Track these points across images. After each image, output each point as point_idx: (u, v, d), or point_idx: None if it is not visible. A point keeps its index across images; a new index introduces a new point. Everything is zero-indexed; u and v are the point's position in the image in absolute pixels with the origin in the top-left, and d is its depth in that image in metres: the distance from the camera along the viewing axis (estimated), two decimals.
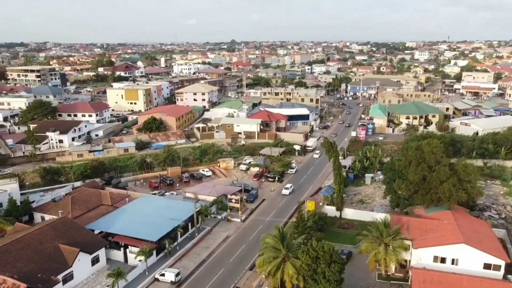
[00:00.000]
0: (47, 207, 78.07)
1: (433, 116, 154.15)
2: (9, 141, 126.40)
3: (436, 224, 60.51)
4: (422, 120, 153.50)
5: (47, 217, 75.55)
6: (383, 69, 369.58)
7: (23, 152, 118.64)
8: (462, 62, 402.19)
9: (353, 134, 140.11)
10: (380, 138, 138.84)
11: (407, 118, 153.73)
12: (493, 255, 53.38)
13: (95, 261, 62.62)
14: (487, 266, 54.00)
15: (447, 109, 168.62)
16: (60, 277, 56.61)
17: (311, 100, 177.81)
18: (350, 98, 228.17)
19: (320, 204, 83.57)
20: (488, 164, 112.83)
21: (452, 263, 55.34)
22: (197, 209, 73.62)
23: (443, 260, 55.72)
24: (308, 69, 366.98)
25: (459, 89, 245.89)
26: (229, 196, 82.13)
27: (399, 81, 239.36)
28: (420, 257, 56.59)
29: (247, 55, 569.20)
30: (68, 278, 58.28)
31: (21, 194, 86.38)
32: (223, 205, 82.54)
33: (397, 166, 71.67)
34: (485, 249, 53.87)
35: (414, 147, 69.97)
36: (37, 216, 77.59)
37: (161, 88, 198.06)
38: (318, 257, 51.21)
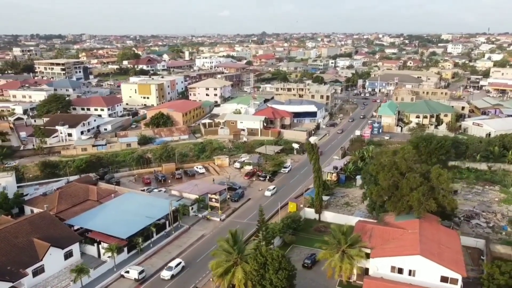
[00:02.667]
0: (36, 201, 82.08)
1: (445, 116, 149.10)
2: (22, 134, 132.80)
3: (400, 233, 59.33)
4: (433, 120, 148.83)
5: (36, 210, 79.30)
6: (410, 63, 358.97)
7: (33, 145, 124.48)
8: (497, 56, 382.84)
9: (357, 133, 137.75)
10: (386, 138, 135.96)
11: (417, 117, 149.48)
12: (450, 269, 51.95)
13: (68, 255, 65.44)
14: (444, 279, 52.67)
15: (463, 108, 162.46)
16: (29, 270, 59.75)
17: (322, 96, 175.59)
18: (368, 94, 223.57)
19: (301, 206, 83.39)
20: (493, 168, 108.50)
21: (410, 274, 54.30)
22: (174, 208, 75.24)
23: (400, 271, 54.74)
24: (332, 63, 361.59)
25: (486, 85, 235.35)
26: (209, 196, 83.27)
27: (420, 77, 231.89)
28: (378, 266, 55.80)
29: (275, 47, 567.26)
30: (39, 271, 61.37)
31: (19, 187, 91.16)
32: (204, 204, 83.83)
33: (371, 171, 70.38)
34: (442, 262, 52.46)
35: (391, 152, 68.36)
36: (27, 209, 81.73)
37: (175, 82, 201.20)
38: (267, 263, 51.69)
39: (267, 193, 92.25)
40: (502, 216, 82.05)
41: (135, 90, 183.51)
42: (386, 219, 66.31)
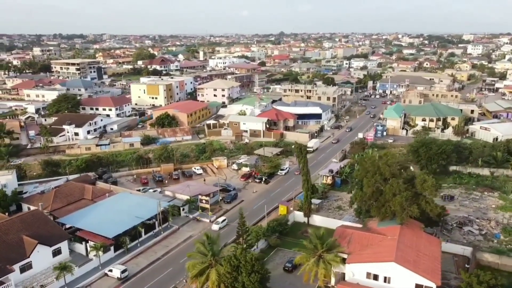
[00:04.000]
0: (33, 199, 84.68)
1: (452, 119, 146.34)
2: (31, 133, 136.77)
3: (379, 239, 58.99)
4: (440, 123, 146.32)
5: (32, 208, 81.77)
6: (426, 64, 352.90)
7: (40, 144, 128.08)
8: None
9: (360, 135, 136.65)
10: (390, 141, 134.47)
11: (423, 120, 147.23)
12: (424, 277, 51.44)
13: (56, 253, 67.41)
14: (418, 287, 52.15)
15: (472, 111, 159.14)
16: (16, 266, 61.85)
17: (328, 98, 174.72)
18: (378, 96, 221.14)
19: (291, 209, 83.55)
20: (495, 174, 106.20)
21: (385, 281, 54.04)
22: (162, 208, 76.50)
23: (376, 277, 54.52)
24: (347, 63, 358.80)
25: (501, 88, 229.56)
26: (199, 197, 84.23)
27: (432, 79, 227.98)
28: (353, 272, 55.70)
29: (291, 48, 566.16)
30: (26, 268, 63.50)
31: (20, 184, 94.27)
32: (195, 205, 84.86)
33: (355, 176, 70.02)
34: (417, 270, 52.00)
35: (376, 157, 67.93)
36: (25, 207, 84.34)
37: (184, 83, 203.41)
38: (240, 266, 52.24)
39: (215, 227, 78.00)
40: (497, 223, 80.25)
41: (144, 90, 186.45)
42: (370, 224, 65.99)
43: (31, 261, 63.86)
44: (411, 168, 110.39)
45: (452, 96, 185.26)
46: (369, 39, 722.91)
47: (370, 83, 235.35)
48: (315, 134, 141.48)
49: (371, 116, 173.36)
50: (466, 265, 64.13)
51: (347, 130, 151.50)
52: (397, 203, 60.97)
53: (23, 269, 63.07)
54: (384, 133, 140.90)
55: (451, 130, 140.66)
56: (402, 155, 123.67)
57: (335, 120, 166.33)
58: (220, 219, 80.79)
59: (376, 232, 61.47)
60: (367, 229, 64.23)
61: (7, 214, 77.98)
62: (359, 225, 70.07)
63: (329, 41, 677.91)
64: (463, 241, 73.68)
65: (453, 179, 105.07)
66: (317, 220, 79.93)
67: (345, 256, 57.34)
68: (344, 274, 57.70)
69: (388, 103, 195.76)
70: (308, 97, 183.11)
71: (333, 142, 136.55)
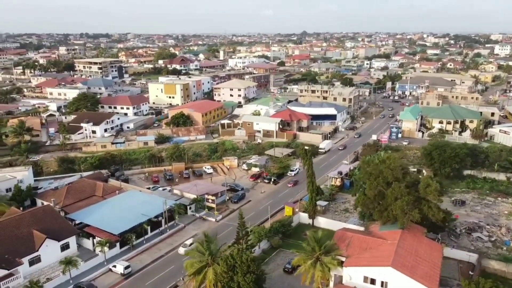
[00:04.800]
0: (46, 194, 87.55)
1: (471, 122, 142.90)
2: (51, 130, 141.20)
3: (378, 243, 58.53)
4: (458, 126, 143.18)
5: (45, 203, 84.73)
6: (450, 65, 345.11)
7: (59, 141, 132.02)
8: None
9: (374, 137, 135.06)
10: (405, 143, 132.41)
11: (440, 122, 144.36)
12: (421, 283, 50.78)
13: (64, 247, 69.66)
14: None
15: (492, 113, 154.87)
16: (26, 259, 64.36)
17: (344, 99, 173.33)
18: (397, 98, 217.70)
19: (297, 210, 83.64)
20: None
21: (382, 286, 53.60)
22: (169, 207, 77.87)
23: (373, 282, 54.18)
24: (367, 63, 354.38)
25: None
26: (206, 196, 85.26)
27: (453, 80, 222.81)
28: (351, 275, 55.49)
29: (312, 47, 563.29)
30: (35, 261, 66.00)
31: (36, 180, 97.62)
32: (202, 204, 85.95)
33: (358, 179, 69.53)
34: (414, 275, 51.41)
35: (378, 161, 67.34)
36: (39, 202, 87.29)
37: (201, 83, 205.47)
38: (236, 266, 52.86)
39: (181, 251, 70.17)
40: (508, 230, 78.26)
41: (161, 89, 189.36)
42: (372, 228, 65.49)
43: (39, 255, 66.26)
44: (424, 171, 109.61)
45: (472, 98, 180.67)
46: (393, 39, 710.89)
47: (388, 84, 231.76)
48: (329, 135, 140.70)
49: (390, 115, 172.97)
50: (470, 272, 62.89)
51: (355, 136, 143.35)
52: (397, 207, 60.33)
53: (32, 262, 65.51)
54: (399, 135, 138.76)
55: (469, 133, 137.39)
56: (416, 158, 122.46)
57: (351, 121, 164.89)
58: (189, 241, 71.41)
59: (377, 236, 60.98)
60: (368, 232, 63.78)
61: (21, 208, 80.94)
62: (363, 229, 69.60)
63: (352, 41, 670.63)
64: (470, 247, 72.26)
65: (466, 184, 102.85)
66: (322, 222, 79.80)
67: (343, 259, 57.20)
68: (342, 277, 57.55)
69: (406, 104, 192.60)
70: (325, 98, 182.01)
71: (340, 148, 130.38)
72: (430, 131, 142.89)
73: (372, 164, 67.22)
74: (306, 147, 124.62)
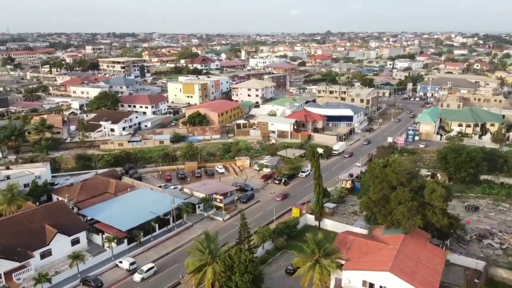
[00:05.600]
0: (62, 190, 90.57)
1: (492, 125, 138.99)
2: (72, 127, 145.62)
3: (379, 248, 58.07)
4: (478, 129, 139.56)
5: (60, 199, 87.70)
6: (477, 66, 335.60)
7: (78, 138, 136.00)
8: None
9: (390, 139, 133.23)
10: (422, 146, 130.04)
11: (460, 125, 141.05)
12: None
13: (75, 242, 72.05)
14: None
15: None
16: (37, 253, 66.99)
17: (362, 100, 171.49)
18: (418, 99, 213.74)
19: (304, 212, 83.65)
20: None
21: None
22: (176, 205, 79.28)
23: (371, 286, 53.84)
24: (390, 64, 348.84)
25: None
26: (214, 196, 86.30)
27: (478, 82, 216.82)
28: (350, 279, 55.31)
29: (336, 47, 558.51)
30: (46, 254, 68.57)
31: (53, 176, 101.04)
32: (210, 203, 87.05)
33: (363, 182, 69.00)
34: (412, 281, 50.82)
35: (383, 164, 66.73)
36: (55, 198, 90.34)
37: (219, 82, 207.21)
38: (234, 265, 53.58)
39: (137, 278, 64.07)
40: None
41: (180, 89, 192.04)
42: (375, 232, 65.01)
43: (50, 249, 68.80)
44: (438, 175, 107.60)
45: (495, 100, 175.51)
46: (419, 39, 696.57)
47: (409, 85, 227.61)
48: (344, 137, 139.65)
49: (411, 116, 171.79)
50: (476, 280, 61.54)
51: (364, 143, 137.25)
52: (399, 212, 59.67)
53: (43, 256, 68.11)
54: (416, 138, 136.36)
55: (489, 137, 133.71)
56: (432, 162, 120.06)
57: (368, 123, 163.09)
58: (146, 267, 65.02)
59: (379, 240, 60.49)
60: (370, 236, 63.34)
61: (37, 203, 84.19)
62: (367, 232, 69.12)
63: (376, 41, 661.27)
64: (480, 254, 70.63)
65: (482, 189, 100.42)
66: (329, 224, 79.62)
67: (343, 262, 57.08)
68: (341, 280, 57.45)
69: (428, 106, 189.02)
70: (343, 99, 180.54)
71: (345, 156, 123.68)
72: (448, 134, 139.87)
73: (377, 167, 66.58)
74: (319, 149, 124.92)
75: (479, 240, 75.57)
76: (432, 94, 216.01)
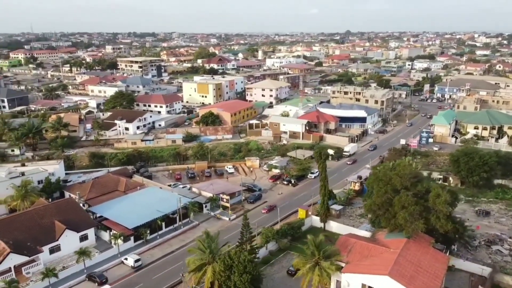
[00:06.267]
0: (74, 187, 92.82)
1: (509, 128, 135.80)
2: (88, 126, 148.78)
3: (380, 251, 57.73)
4: (495, 132, 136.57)
5: (72, 196, 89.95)
6: (499, 67, 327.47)
7: (94, 136, 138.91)
8: None
9: (402, 141, 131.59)
10: (435, 148, 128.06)
11: (476, 128, 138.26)
12: None
13: (83, 238, 73.96)
14: None
15: None
16: (46, 248, 69.04)
17: (376, 101, 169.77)
18: (435, 101, 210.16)
19: (310, 213, 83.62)
20: None
21: None
22: (183, 205, 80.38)
23: None
24: (409, 64, 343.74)
25: None
26: (220, 196, 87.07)
27: (498, 83, 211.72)
28: (349, 282, 55.21)
29: (355, 47, 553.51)
30: (55, 250, 70.67)
31: (67, 174, 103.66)
32: (217, 203, 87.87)
33: (367, 185, 68.57)
34: (411, 286, 50.39)
35: (389, 167, 66.19)
36: (67, 195, 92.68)
37: (234, 82, 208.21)
38: (233, 265, 54.16)
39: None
40: None
41: (195, 89, 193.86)
42: (378, 235, 64.59)
43: (59, 244, 70.86)
44: (450, 179, 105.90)
45: None
46: (441, 39, 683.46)
47: (426, 86, 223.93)
48: (356, 139, 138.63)
49: (428, 117, 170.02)
50: (480, 286, 60.49)
51: (370, 149, 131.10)
52: (401, 217, 59.16)
53: (52, 251, 70.18)
54: (430, 140, 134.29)
55: (506, 140, 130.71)
56: (446, 165, 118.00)
57: (382, 125, 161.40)
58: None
59: (381, 244, 60.12)
60: (372, 240, 62.97)
61: (49, 200, 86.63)
62: (370, 235, 68.72)
63: (397, 41, 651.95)
64: (487, 260, 69.31)
65: (495, 194, 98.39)
66: (334, 226, 79.48)
67: (343, 264, 56.97)
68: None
69: (445, 108, 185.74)
70: (357, 100, 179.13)
71: (348, 163, 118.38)
72: (463, 136, 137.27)
73: (381, 170, 66.12)
74: (330, 150, 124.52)
75: (487, 246, 74.17)
76: (450, 96, 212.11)
